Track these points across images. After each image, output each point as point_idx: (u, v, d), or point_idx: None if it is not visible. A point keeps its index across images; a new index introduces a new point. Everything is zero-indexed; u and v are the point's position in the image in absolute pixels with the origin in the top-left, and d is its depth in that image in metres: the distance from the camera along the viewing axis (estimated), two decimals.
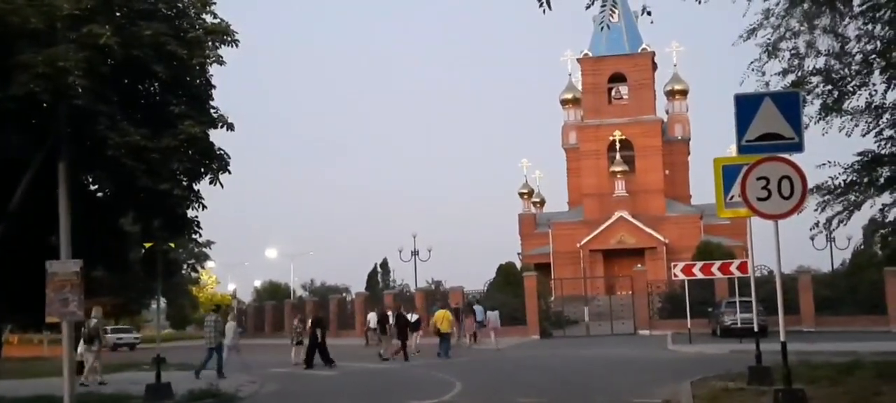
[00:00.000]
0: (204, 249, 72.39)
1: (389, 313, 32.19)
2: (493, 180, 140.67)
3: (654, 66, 67.91)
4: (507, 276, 52.83)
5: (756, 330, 16.07)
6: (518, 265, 59.62)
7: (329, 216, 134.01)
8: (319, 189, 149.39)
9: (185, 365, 25.42)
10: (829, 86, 14.81)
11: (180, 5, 15.03)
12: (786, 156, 10.61)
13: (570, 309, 47.43)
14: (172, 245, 21.62)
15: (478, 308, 38.01)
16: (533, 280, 45.57)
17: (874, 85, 14.66)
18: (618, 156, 64.04)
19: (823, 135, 15.09)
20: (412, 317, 33.66)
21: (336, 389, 19.44)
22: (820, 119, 14.93)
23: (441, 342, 29.77)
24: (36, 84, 12.07)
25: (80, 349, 21.00)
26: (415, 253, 56.68)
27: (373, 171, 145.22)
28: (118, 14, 13.96)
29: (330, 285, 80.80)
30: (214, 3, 15.21)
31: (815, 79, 14.81)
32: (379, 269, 78.20)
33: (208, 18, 15.17)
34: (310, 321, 29.01)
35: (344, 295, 62.42)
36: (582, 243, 63.06)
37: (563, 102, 70.85)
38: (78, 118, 13.23)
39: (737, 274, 31.59)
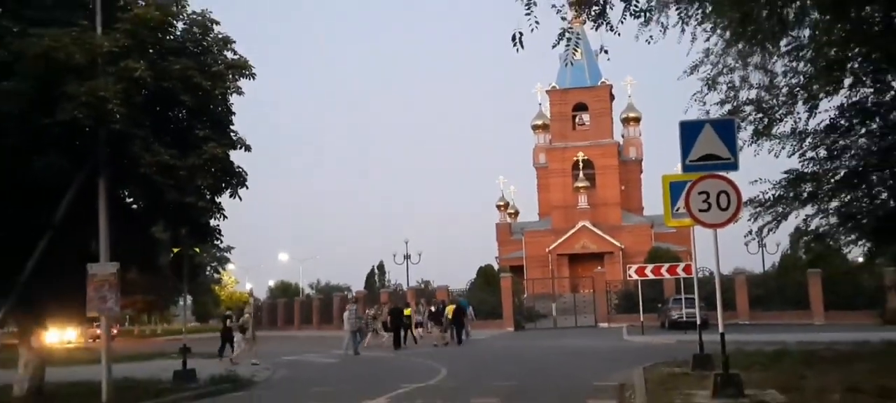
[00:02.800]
0: (224, 253, 72.07)
1: (444, 305, 33.39)
2: (475, 194, 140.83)
3: (612, 97, 68.28)
4: (486, 277, 52.90)
5: (698, 323, 16.06)
6: (496, 267, 59.66)
7: (333, 224, 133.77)
8: (326, 200, 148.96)
9: (208, 354, 25.29)
10: (760, 115, 14.94)
11: (205, 43, 14.99)
12: (723, 173, 10.66)
13: (540, 305, 47.42)
14: (197, 250, 21.53)
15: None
16: (508, 280, 45.56)
17: (798, 113, 14.84)
18: (581, 173, 64.26)
19: (755, 156, 15.26)
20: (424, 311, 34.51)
21: (338, 375, 19.36)
22: (752, 142, 15.06)
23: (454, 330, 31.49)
24: (79, 111, 12.01)
25: (236, 337, 25.15)
26: (407, 256, 56.56)
27: (372, 185, 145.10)
28: (151, 51, 13.90)
29: (333, 284, 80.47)
30: (234, 42, 15.21)
31: (748, 109, 14.95)
32: (376, 271, 78.08)
33: (229, 55, 15.14)
34: (386, 311, 31.30)
35: (346, 293, 62.07)
36: (550, 248, 63.10)
37: (534, 128, 71.04)
38: (115, 141, 13.17)
39: (682, 275, 31.79)
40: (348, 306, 28.59)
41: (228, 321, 27.77)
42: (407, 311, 32.14)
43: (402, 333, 30.27)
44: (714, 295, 11.58)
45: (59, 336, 43.34)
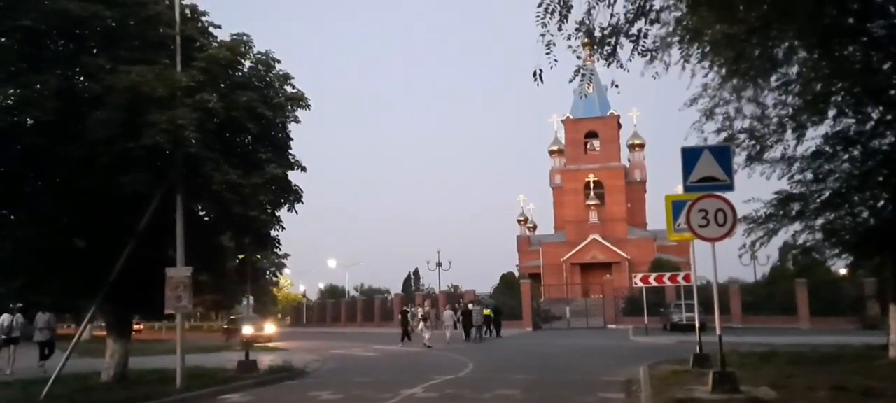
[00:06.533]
0: (282, 260, 72.27)
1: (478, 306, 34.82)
2: (499, 209, 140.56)
3: (620, 126, 67.80)
4: (507, 283, 52.60)
5: (697, 326, 15.82)
6: (516, 274, 59.33)
7: (375, 234, 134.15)
8: (369, 214, 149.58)
9: (267, 348, 25.41)
10: (753, 142, 14.66)
11: (268, 79, 15.14)
12: (720, 193, 10.49)
13: (555, 308, 47.11)
14: (259, 256, 21.74)
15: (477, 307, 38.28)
16: (527, 286, 45.34)
17: (787, 141, 14.52)
18: (592, 193, 63.84)
19: (749, 178, 14.97)
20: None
21: (379, 366, 19.33)
22: (746, 166, 14.77)
23: (479, 329, 32.50)
24: (160, 136, 12.17)
25: (420, 326, 28.96)
26: (439, 264, 56.48)
27: (410, 201, 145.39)
28: (222, 85, 14.08)
29: (375, 288, 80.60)
30: (293, 78, 15.35)
31: (742, 136, 14.68)
32: (412, 276, 78.17)
33: (288, 89, 15.29)
34: (460, 310, 33.01)
35: (386, 295, 62.18)
36: (564, 258, 62.64)
37: (551, 152, 70.78)
38: (190, 162, 13.33)
39: (682, 283, 31.30)
40: (449, 307, 33.26)
41: (409, 314, 31.22)
42: (486, 312, 33.34)
43: (473, 330, 31.55)
44: (711, 301, 11.39)
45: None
